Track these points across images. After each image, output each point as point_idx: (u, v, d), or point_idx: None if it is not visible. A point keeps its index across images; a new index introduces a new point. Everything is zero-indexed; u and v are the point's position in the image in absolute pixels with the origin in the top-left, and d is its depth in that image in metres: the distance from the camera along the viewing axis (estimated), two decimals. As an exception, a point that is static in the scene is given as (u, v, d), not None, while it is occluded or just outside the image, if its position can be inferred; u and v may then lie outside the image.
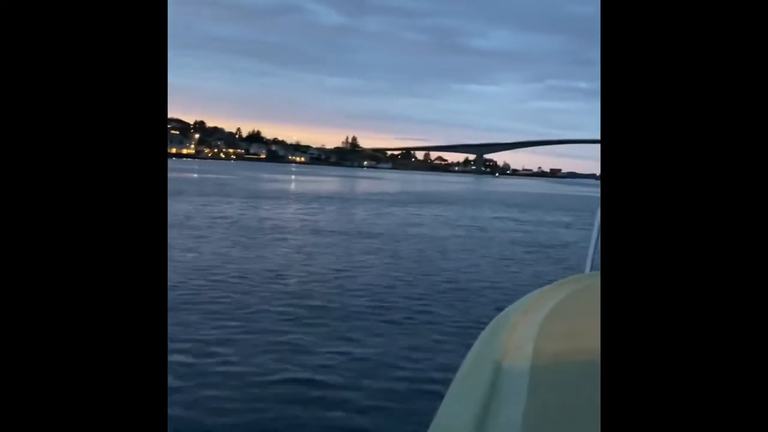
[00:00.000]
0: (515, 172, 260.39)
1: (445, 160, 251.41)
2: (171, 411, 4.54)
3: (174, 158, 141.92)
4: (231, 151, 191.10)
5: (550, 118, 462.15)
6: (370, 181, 76.15)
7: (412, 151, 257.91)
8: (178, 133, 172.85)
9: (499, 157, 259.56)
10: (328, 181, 66.28)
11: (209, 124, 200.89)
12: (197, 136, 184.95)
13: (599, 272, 2.38)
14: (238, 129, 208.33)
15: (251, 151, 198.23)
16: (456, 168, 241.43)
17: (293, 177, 74.77)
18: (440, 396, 1.05)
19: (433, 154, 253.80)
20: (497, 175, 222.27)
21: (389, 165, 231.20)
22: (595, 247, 2.91)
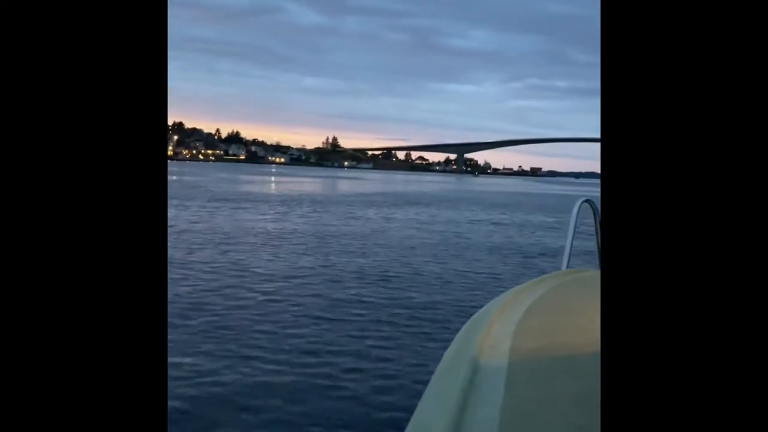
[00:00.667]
0: (496, 171, 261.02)
1: (426, 160, 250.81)
2: None
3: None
4: (210, 152, 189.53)
5: (529, 117, 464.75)
6: (348, 182, 74.27)
7: (393, 151, 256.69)
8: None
9: (480, 157, 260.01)
10: (305, 182, 64.12)
11: (188, 125, 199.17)
12: (176, 137, 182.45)
13: (575, 270, 2.53)
14: (217, 130, 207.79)
15: (230, 152, 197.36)
16: (437, 168, 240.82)
17: (270, 178, 72.59)
18: (419, 395, 1.07)
19: (414, 154, 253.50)
20: (476, 174, 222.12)
21: (370, 165, 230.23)
22: (571, 245, 2.90)
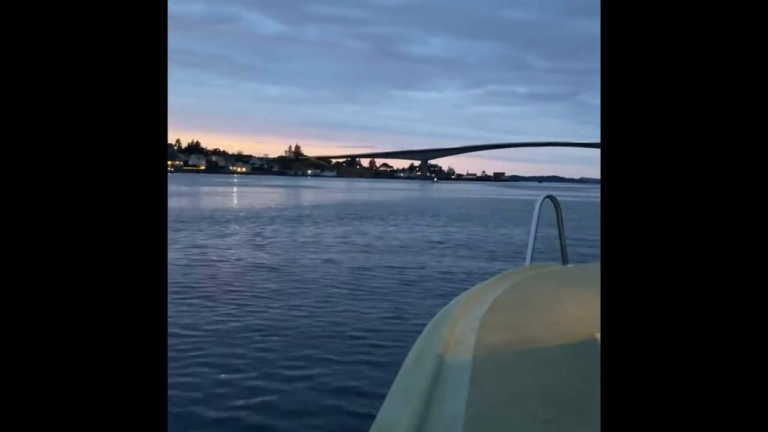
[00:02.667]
0: (460, 177, 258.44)
1: (391, 167, 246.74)
2: None
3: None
4: (169, 163, 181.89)
5: (490, 123, 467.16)
6: (305, 191, 68.54)
7: (357, 159, 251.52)
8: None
9: (444, 162, 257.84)
10: (252, 194, 58.04)
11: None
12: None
13: (538, 264, 2.62)
14: (178, 140, 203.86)
15: (190, 162, 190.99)
16: (401, 174, 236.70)
17: (222, 189, 66.24)
18: (385, 391, 1.07)
19: (379, 161, 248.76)
20: (435, 180, 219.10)
21: (334, 173, 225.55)
22: (534, 241, 2.96)
